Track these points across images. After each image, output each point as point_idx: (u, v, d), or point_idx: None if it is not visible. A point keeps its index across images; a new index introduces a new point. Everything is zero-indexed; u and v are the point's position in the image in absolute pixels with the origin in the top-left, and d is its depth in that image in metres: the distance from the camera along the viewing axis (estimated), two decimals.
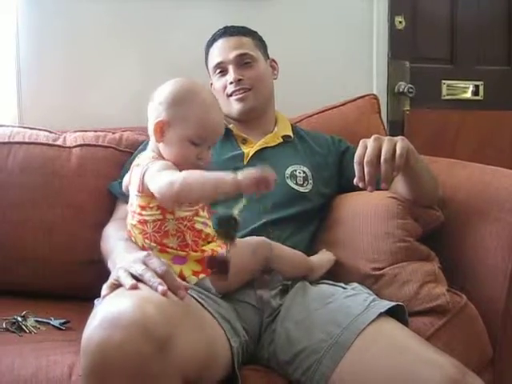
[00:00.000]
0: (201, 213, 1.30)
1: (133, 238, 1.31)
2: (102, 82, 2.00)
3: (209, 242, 1.30)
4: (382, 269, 1.46)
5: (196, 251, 1.27)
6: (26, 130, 1.76)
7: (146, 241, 1.27)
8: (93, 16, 2.00)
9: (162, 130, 1.28)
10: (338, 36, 2.23)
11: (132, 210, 1.30)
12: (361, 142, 1.37)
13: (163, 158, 1.28)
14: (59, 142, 1.75)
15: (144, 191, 1.24)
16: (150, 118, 1.30)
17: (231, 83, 1.64)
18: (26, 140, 1.72)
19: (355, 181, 1.35)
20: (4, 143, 1.71)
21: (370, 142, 1.35)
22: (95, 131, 1.79)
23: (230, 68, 1.64)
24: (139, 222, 1.28)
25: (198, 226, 1.29)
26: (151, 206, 1.25)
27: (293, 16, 2.10)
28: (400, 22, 2.40)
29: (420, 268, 1.45)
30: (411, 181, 1.47)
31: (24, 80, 1.96)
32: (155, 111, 1.29)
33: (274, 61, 1.77)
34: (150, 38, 2.06)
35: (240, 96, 1.64)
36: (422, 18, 2.47)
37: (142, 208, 1.26)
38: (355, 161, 1.35)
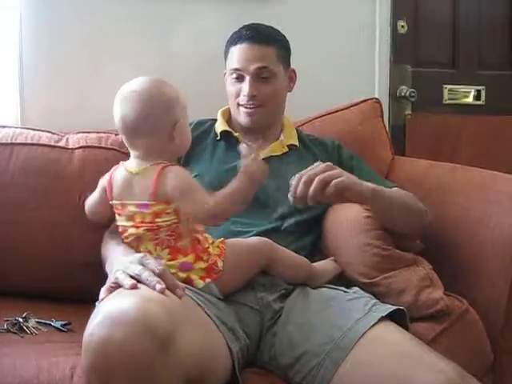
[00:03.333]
0: None
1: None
2: (105, 83, 1.99)
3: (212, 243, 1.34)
4: (373, 278, 1.45)
5: (205, 251, 1.31)
6: (29, 131, 1.76)
7: (158, 248, 1.28)
8: (96, 17, 2.00)
9: (172, 134, 1.31)
10: (340, 40, 2.23)
11: (135, 223, 1.29)
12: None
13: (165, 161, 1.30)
14: (61, 144, 1.75)
15: (158, 199, 1.26)
16: (155, 136, 1.31)
17: (244, 95, 1.62)
18: (29, 141, 1.72)
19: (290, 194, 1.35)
20: (6, 144, 1.71)
21: (322, 165, 1.36)
22: (98, 133, 1.79)
23: (247, 80, 1.61)
24: (150, 228, 1.28)
25: (199, 226, 1.33)
26: (168, 211, 1.27)
27: (295, 20, 2.10)
28: (402, 27, 2.40)
29: (412, 275, 1.44)
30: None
31: (27, 81, 1.96)
32: (154, 128, 1.31)
33: (293, 71, 1.71)
34: (153, 39, 2.06)
35: (250, 111, 1.63)
36: (424, 23, 2.47)
37: (157, 215, 1.27)
38: (298, 175, 1.35)
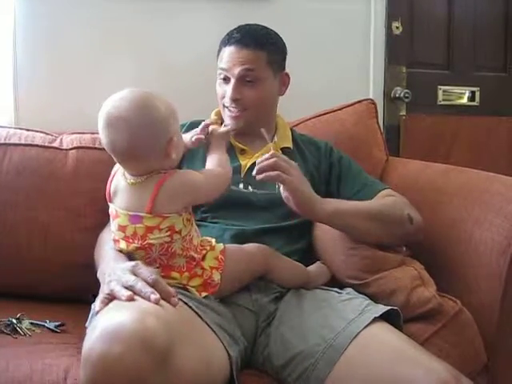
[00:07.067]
0: (194, 225, 1.33)
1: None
2: (99, 84, 1.99)
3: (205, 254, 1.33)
4: (362, 280, 1.44)
5: (199, 265, 1.30)
6: (23, 132, 1.76)
7: (150, 267, 1.23)
8: (90, 18, 2.00)
9: (168, 151, 1.25)
10: (334, 41, 2.23)
11: (126, 236, 1.26)
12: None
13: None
14: (55, 144, 1.74)
15: (155, 212, 1.23)
16: (149, 158, 1.24)
17: (228, 98, 1.59)
18: (22, 142, 1.72)
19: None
20: (0, 144, 1.70)
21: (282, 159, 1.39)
22: (92, 133, 1.77)
23: (232, 82, 1.58)
24: (141, 247, 1.25)
25: (195, 240, 1.31)
26: (161, 227, 1.23)
27: (289, 21, 2.10)
28: (397, 28, 2.40)
29: (403, 275, 1.44)
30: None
31: (21, 81, 1.96)
32: (147, 152, 1.23)
33: (287, 75, 1.66)
34: (146, 39, 2.06)
35: (233, 115, 1.60)
36: (419, 24, 2.48)
37: (149, 230, 1.23)
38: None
